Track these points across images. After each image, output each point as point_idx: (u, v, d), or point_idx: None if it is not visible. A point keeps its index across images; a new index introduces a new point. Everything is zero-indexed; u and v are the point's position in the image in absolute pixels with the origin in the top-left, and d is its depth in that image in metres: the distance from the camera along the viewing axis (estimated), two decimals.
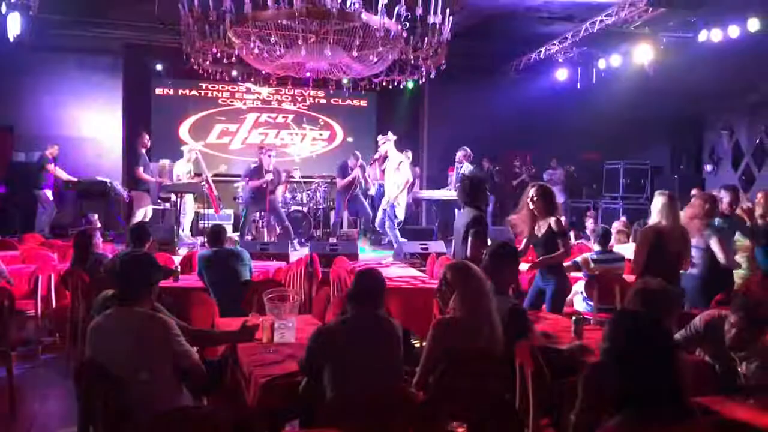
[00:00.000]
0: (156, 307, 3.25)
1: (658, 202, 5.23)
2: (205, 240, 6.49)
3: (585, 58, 12.32)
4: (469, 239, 5.12)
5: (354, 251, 8.31)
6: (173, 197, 10.06)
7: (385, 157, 9.90)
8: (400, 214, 9.73)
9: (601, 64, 12.05)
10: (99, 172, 11.08)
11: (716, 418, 2.43)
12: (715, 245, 5.28)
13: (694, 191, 10.83)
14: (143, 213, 9.97)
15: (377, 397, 2.76)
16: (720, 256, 5.26)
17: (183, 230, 10.04)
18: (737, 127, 13.28)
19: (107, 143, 11.92)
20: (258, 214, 10.36)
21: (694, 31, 10.17)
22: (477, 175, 9.37)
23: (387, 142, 9.85)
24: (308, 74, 8.12)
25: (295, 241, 10.05)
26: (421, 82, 8.77)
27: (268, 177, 9.75)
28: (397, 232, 9.65)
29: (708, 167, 13.88)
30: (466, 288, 3.36)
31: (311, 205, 11.41)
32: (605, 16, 9.98)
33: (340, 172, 10.95)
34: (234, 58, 7.93)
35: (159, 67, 12.40)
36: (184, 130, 13.25)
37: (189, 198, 10.22)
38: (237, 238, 9.55)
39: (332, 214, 11.73)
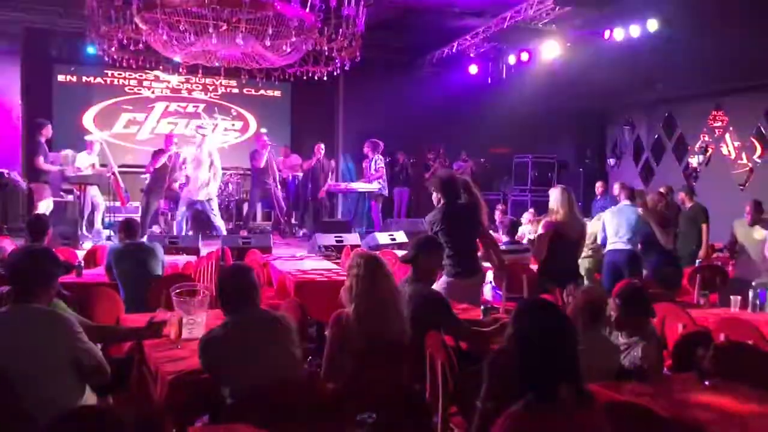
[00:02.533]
0: (55, 303, 3.12)
1: (555, 194, 5.54)
2: (117, 232, 6.18)
3: (496, 53, 12.61)
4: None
5: (267, 244, 8.23)
6: (76, 190, 9.65)
7: None
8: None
9: (511, 59, 12.37)
10: None
11: (610, 402, 2.55)
12: None
13: (598, 184, 11.36)
14: (46, 206, 9.50)
15: (280, 393, 2.72)
16: None
17: (96, 224, 9.68)
18: (638, 122, 13.98)
19: (4, 132, 11.28)
20: (159, 203, 10.09)
21: (598, 29, 10.59)
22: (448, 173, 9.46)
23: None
24: (218, 64, 7.96)
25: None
26: (335, 73, 8.75)
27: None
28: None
29: (611, 161, 14.53)
30: (364, 279, 3.30)
31: (223, 196, 11.20)
32: (515, 12, 10.24)
33: (253, 156, 10.79)
34: (141, 45, 7.68)
35: (60, 52, 11.81)
36: (88, 119, 12.69)
37: (96, 190, 9.84)
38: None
39: (245, 206, 11.56)
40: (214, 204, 9.96)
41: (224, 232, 9.73)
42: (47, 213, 9.27)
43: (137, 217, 10.16)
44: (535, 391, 2.03)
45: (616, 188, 7.70)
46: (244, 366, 2.89)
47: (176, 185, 10.11)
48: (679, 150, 13.13)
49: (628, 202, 6.44)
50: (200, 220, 10.18)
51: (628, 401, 2.66)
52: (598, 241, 6.53)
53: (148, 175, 10.31)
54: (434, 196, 5.20)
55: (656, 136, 13.54)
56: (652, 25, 9.81)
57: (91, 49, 9.50)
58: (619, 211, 6.39)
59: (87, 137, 10.70)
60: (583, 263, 6.35)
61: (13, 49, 11.31)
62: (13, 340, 2.82)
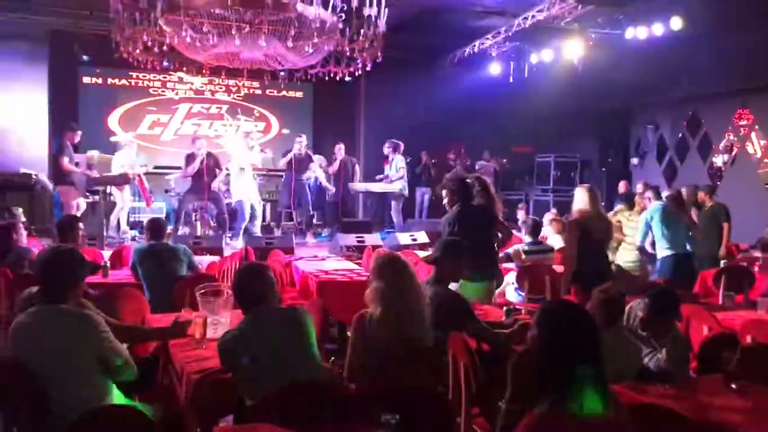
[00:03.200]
0: (83, 303, 3.16)
1: (579, 194, 5.45)
2: (144, 232, 6.22)
3: (517, 52, 12.54)
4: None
5: (290, 244, 8.27)
6: (108, 189, 9.81)
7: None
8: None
9: (533, 58, 12.30)
10: (23, 164, 10.64)
11: (635, 404, 2.54)
12: None
13: (621, 183, 11.26)
14: (77, 206, 9.68)
15: (301, 392, 2.74)
16: None
17: (121, 224, 9.81)
18: (661, 121, 13.82)
19: (31, 134, 11.45)
20: (192, 206, 10.17)
21: (621, 28, 10.49)
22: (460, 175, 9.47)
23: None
24: (242, 67, 8.03)
25: (228, 236, 9.89)
26: (357, 74, 8.77)
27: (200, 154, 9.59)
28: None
29: (634, 160, 14.39)
30: (386, 280, 3.33)
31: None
32: (537, 11, 10.19)
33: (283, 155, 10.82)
34: (165, 47, 7.75)
35: (86, 56, 11.98)
36: (113, 121, 12.85)
37: (127, 191, 9.99)
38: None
39: (268, 206, 11.64)
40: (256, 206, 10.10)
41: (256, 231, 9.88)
42: (78, 214, 9.44)
43: (161, 217, 10.32)
44: (559, 393, 2.02)
45: (639, 188, 7.64)
46: (262, 366, 2.91)
47: (216, 186, 10.19)
48: (703, 149, 12.96)
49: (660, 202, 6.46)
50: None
51: (654, 403, 2.64)
52: (637, 242, 6.48)
53: (174, 176, 10.45)
54: (445, 197, 5.20)
55: (680, 135, 13.39)
56: (676, 23, 9.70)
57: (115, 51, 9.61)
58: (674, 215, 6.39)
59: (117, 138, 10.87)
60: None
61: (40, 51, 11.48)
62: (42, 339, 2.87)
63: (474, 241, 4.74)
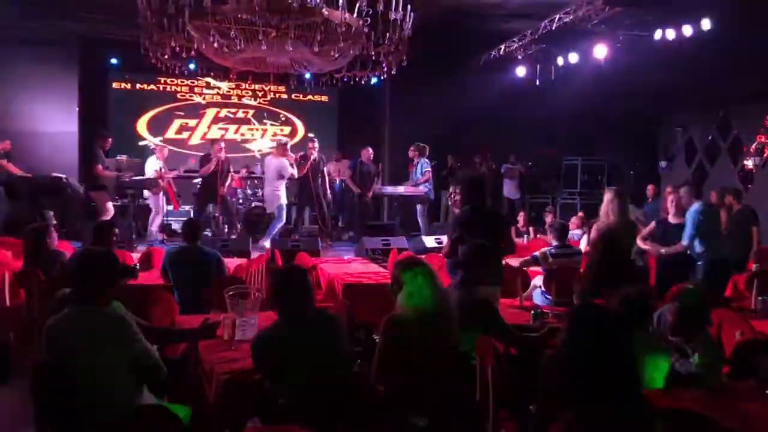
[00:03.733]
0: (115, 305, 3.21)
1: (606, 198, 5.40)
2: (181, 233, 6.24)
3: (544, 55, 12.46)
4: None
5: (315, 248, 8.31)
6: (145, 192, 10.01)
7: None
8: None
9: (560, 61, 12.22)
10: (54, 167, 10.83)
11: (667, 410, 2.50)
12: None
13: (649, 187, 11.14)
14: (111, 210, 9.85)
15: (332, 394, 2.75)
16: None
17: (152, 226, 9.94)
18: (690, 123, 13.64)
19: (62, 138, 11.65)
20: (210, 207, 10.27)
21: (649, 29, 10.38)
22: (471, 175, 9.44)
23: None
24: (268, 72, 8.09)
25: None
26: (382, 78, 8.79)
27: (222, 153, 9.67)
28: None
29: (663, 163, 14.22)
30: (412, 284, 3.33)
31: None
32: (563, 13, 10.12)
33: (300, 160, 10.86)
34: (193, 52, 7.84)
35: (115, 60, 12.18)
36: (141, 125, 13.03)
37: (161, 196, 10.15)
38: None
39: (294, 210, 11.68)
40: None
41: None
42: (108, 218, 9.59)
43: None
44: (590, 397, 2.00)
45: (668, 190, 7.55)
46: (295, 366, 2.93)
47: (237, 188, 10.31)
48: (734, 151, 12.76)
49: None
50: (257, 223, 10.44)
51: (685, 408, 2.60)
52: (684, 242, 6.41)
53: (198, 180, 10.56)
54: (452, 195, 5.17)
55: (710, 138, 13.20)
56: (706, 24, 9.58)
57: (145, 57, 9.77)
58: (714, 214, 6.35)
59: (147, 143, 11.03)
60: None
61: (71, 58, 11.69)
62: (75, 340, 2.91)
63: None
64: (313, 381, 2.78)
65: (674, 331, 3.34)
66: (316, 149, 10.55)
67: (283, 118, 13.97)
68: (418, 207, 11.09)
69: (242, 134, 13.77)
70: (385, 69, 8.19)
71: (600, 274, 5.27)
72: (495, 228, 4.98)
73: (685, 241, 6.24)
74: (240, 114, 13.80)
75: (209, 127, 13.57)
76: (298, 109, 14.00)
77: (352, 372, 3.09)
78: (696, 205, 6.33)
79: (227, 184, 10.20)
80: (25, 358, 5.32)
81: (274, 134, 13.88)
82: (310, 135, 12.57)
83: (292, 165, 10.04)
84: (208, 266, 5.40)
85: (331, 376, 2.91)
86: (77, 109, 11.82)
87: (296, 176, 10.20)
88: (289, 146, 10.38)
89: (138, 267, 5.78)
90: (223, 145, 10.41)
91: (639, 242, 6.14)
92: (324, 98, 13.95)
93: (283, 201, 10.01)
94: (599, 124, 13.27)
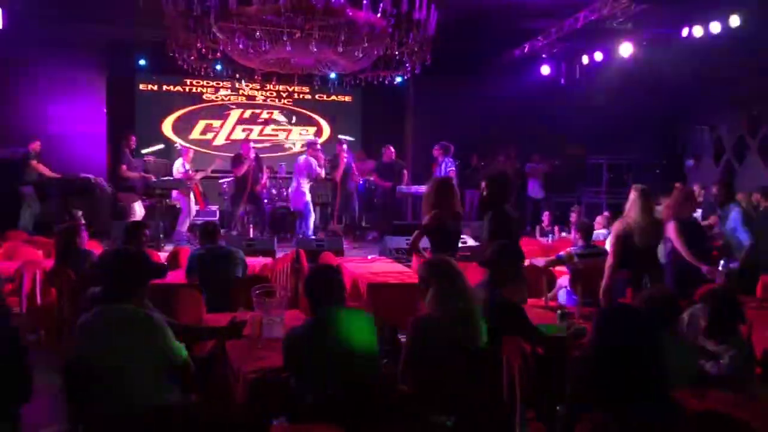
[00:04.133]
0: (145, 303, 3.25)
1: (630, 196, 5.33)
2: (198, 237, 6.35)
3: (568, 53, 12.38)
4: None
5: (340, 247, 8.33)
6: (173, 193, 10.13)
7: None
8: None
9: (585, 59, 12.12)
10: (83, 168, 10.98)
11: (697, 411, 2.48)
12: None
13: (676, 186, 10.97)
14: (140, 211, 9.98)
15: (360, 393, 2.77)
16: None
17: (181, 226, 10.05)
18: (719, 121, 13.43)
19: (91, 139, 11.82)
20: (244, 208, 10.36)
21: (676, 27, 10.26)
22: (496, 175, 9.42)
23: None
24: (293, 72, 8.14)
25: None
26: (405, 77, 8.80)
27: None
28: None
29: (689, 162, 14.03)
30: (439, 284, 3.35)
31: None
32: (588, 11, 10.05)
33: (333, 162, 10.86)
34: (219, 54, 7.92)
35: (142, 62, 12.34)
36: (167, 126, 13.17)
37: (191, 197, 10.27)
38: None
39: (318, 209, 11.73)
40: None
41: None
42: (140, 217, 9.73)
43: (213, 220, 10.55)
44: (618, 398, 1.99)
45: (696, 189, 7.47)
46: (326, 363, 2.96)
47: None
48: (764, 150, 12.54)
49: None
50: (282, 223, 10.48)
51: (715, 410, 2.57)
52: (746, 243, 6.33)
53: (229, 182, 10.66)
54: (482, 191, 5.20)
55: (739, 136, 13.00)
56: (734, 20, 9.44)
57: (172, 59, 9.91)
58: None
59: (176, 144, 11.18)
60: None
61: (99, 59, 11.87)
62: (106, 339, 2.95)
63: None
64: (343, 379, 2.81)
65: (708, 332, 3.29)
66: (346, 151, 10.58)
67: (307, 118, 14.03)
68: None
69: (267, 135, 13.85)
70: (409, 68, 8.20)
71: (619, 275, 5.21)
72: (516, 229, 4.99)
73: (746, 242, 6.19)
74: (264, 114, 13.89)
75: (233, 128, 13.68)
76: (321, 109, 14.06)
77: (381, 372, 3.11)
78: (736, 207, 6.31)
79: (262, 183, 10.31)
80: (56, 356, 5.43)
81: (299, 134, 13.95)
82: (340, 137, 12.61)
83: (320, 166, 10.08)
84: (232, 265, 5.46)
85: (360, 376, 2.93)
86: (105, 110, 11.98)
87: (322, 177, 10.24)
88: (319, 146, 10.43)
89: (167, 266, 5.84)
90: (252, 145, 10.49)
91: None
92: (347, 98, 13.99)
93: (308, 198, 10.06)
94: (625, 122, 13.13)
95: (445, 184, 5.58)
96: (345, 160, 10.45)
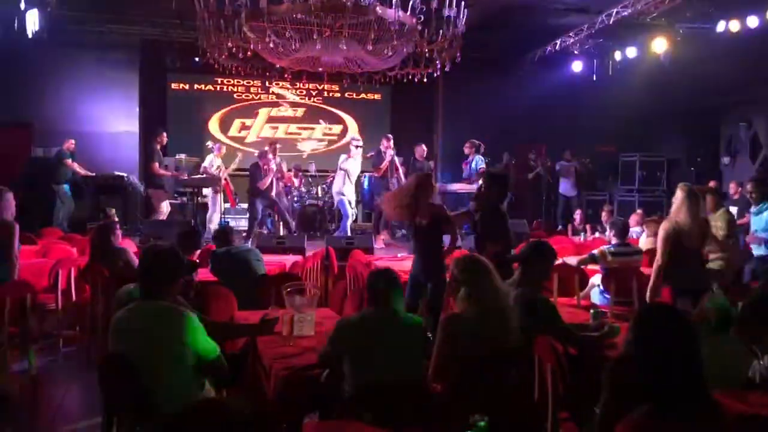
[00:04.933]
0: (178, 300, 3.28)
1: (676, 196, 5.18)
2: (213, 240, 6.46)
3: (601, 50, 12.24)
4: None
5: (369, 245, 8.33)
6: (205, 190, 10.27)
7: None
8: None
9: (617, 56, 11.96)
10: (116, 166, 11.15)
11: (738, 414, 2.42)
12: None
13: (711, 183, 10.79)
14: (166, 208, 10.09)
15: (395, 390, 2.77)
16: None
17: (212, 224, 10.13)
18: (756, 118, 13.15)
19: (124, 138, 12.01)
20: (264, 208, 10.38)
21: (711, 21, 10.06)
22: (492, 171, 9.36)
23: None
24: (320, 69, 8.15)
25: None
26: (435, 75, 8.75)
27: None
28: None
29: (725, 159, 13.76)
30: (471, 282, 3.34)
31: (326, 198, 11.42)
32: (621, 7, 9.91)
33: (376, 159, 10.82)
34: (249, 53, 7.96)
35: (175, 62, 12.48)
36: (201, 125, 13.33)
37: (220, 194, 10.37)
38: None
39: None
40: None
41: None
42: (165, 216, 9.83)
43: (244, 218, 10.63)
44: (657, 399, 1.95)
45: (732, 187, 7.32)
46: (369, 357, 3.01)
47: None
48: None
49: None
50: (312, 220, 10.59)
51: (755, 413, 2.51)
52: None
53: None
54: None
55: None
56: None
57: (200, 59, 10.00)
58: None
59: (208, 143, 11.32)
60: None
61: (132, 59, 12.04)
62: (140, 335, 2.98)
63: None
64: (381, 375, 2.88)
65: (740, 332, 3.22)
66: (392, 147, 10.53)
67: (335, 116, 14.07)
68: (471, 204, 10.97)
69: (294, 133, 13.93)
70: (439, 66, 8.15)
71: (666, 277, 5.07)
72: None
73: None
74: (292, 112, 13.97)
75: (264, 126, 13.80)
76: (351, 107, 14.09)
77: (419, 375, 3.13)
78: None
79: (278, 185, 10.32)
80: (91, 352, 5.53)
81: (329, 129, 14.00)
82: (387, 135, 12.63)
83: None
84: (249, 263, 5.57)
85: (402, 375, 2.99)
86: (138, 110, 12.16)
87: (356, 174, 10.27)
88: (357, 144, 10.44)
89: (198, 263, 5.90)
90: (269, 146, 10.46)
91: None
92: (377, 96, 13.99)
93: (350, 197, 10.11)
94: (658, 119, 12.95)
95: (426, 180, 5.58)
96: (389, 155, 10.40)
